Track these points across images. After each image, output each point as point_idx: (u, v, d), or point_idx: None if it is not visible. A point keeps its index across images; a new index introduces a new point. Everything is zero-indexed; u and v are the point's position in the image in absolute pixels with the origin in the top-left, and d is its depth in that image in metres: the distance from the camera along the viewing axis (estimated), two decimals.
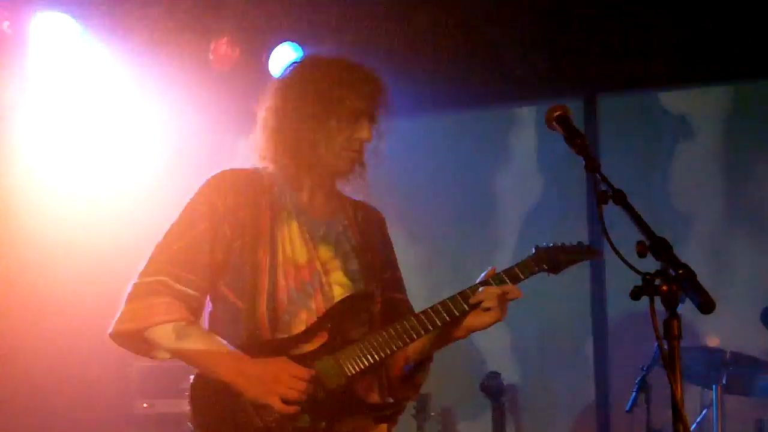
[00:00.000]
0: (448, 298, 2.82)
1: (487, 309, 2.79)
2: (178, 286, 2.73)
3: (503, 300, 2.80)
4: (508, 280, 2.82)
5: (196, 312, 2.77)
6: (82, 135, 5.90)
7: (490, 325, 2.83)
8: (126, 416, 5.84)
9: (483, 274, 2.86)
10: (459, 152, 6.59)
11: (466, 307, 2.80)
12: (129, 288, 2.76)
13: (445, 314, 2.79)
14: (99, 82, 5.60)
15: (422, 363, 3.00)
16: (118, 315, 2.75)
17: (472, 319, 2.83)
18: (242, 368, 2.64)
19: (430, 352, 2.98)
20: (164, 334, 2.69)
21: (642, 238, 2.03)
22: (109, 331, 2.75)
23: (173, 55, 5.53)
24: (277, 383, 2.62)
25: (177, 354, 2.71)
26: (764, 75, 5.91)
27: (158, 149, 6.13)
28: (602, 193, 2.17)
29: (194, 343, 2.68)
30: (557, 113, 2.47)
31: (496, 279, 2.83)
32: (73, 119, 5.81)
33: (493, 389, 5.82)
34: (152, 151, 6.11)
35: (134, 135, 6.09)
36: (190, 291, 2.74)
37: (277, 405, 2.62)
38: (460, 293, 2.82)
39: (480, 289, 2.80)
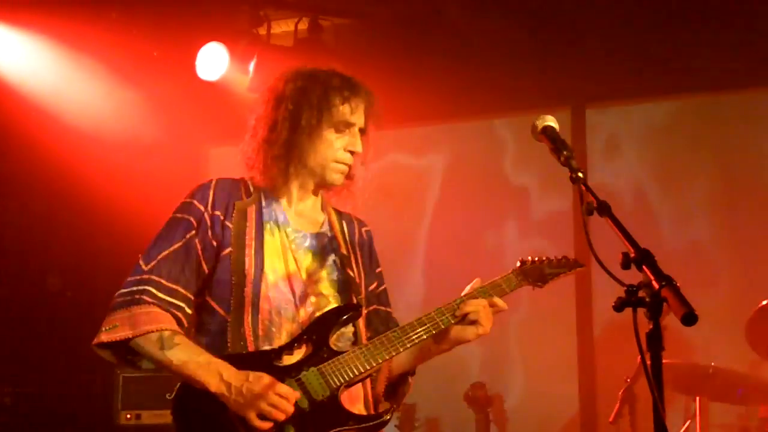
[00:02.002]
0: (434, 311, 2.81)
1: (473, 322, 2.80)
2: (163, 296, 2.71)
3: (489, 313, 2.81)
4: (494, 293, 2.83)
5: (181, 322, 2.75)
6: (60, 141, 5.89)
7: (476, 338, 2.82)
8: (110, 427, 5.81)
9: (468, 287, 2.87)
10: (446, 162, 6.59)
11: (452, 320, 2.80)
12: (114, 298, 2.74)
13: (431, 327, 2.79)
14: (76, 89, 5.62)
15: (405, 376, 3.00)
16: (103, 325, 2.72)
17: (458, 333, 2.82)
18: (227, 379, 2.62)
19: (414, 365, 2.98)
20: (150, 344, 2.66)
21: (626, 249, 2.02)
22: (94, 341, 2.72)
23: (155, 65, 5.54)
24: (260, 399, 2.60)
25: (162, 364, 2.68)
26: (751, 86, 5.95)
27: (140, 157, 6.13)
28: (587, 205, 2.17)
29: (180, 353, 2.65)
30: (543, 124, 2.48)
31: (481, 291, 2.83)
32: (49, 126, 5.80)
33: (478, 400, 5.82)
34: (134, 158, 6.10)
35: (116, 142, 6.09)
36: (176, 301, 2.72)
37: (255, 421, 2.60)
38: (445, 306, 2.82)
39: (466, 301, 2.81)
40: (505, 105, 6.31)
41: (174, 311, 2.72)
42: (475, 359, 6.13)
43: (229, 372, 2.63)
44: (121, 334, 2.67)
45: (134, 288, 2.71)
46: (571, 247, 5.79)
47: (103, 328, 2.71)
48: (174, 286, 2.73)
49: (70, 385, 5.91)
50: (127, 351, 2.72)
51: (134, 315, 2.68)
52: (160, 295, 2.71)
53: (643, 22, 5.70)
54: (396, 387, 3.00)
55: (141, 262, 2.76)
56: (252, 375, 2.63)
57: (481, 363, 6.15)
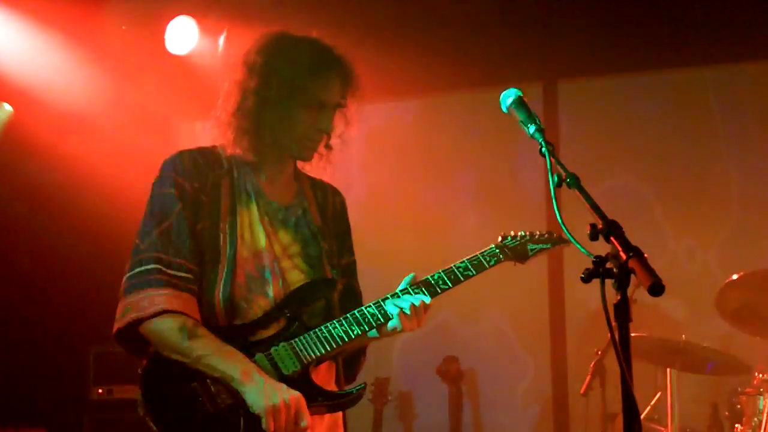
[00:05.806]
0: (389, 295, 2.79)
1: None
2: (173, 272, 2.64)
3: (412, 313, 2.74)
4: (426, 291, 2.77)
5: (191, 303, 2.65)
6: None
7: (402, 332, 2.77)
8: (82, 402, 5.81)
9: (404, 282, 2.82)
10: (419, 136, 6.58)
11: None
12: (123, 282, 2.68)
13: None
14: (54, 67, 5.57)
15: (358, 354, 2.98)
16: (118, 311, 2.66)
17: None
18: (261, 374, 2.60)
19: (365, 344, 2.94)
20: (171, 333, 2.60)
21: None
22: (114, 330, 2.66)
23: (127, 39, 5.49)
24: (280, 414, 2.55)
25: (183, 353, 2.60)
26: (729, 61, 5.96)
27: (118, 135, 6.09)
28: (556, 177, 2.17)
29: (205, 344, 2.59)
30: (511, 97, 2.47)
31: (414, 288, 2.79)
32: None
33: (450, 373, 5.85)
34: (111, 138, 6.06)
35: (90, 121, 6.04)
36: (185, 275, 2.65)
37: (268, 421, 2.55)
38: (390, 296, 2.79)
39: (389, 300, 2.76)
40: (477, 80, 6.30)
41: (187, 286, 2.65)
42: (448, 333, 6.14)
43: (259, 370, 2.60)
44: (138, 314, 2.61)
45: (142, 268, 2.65)
46: (544, 223, 5.81)
47: (119, 314, 2.65)
48: (180, 261, 2.66)
49: (41, 361, 5.88)
50: (145, 333, 2.64)
51: (148, 297, 2.61)
52: (170, 271, 2.64)
53: None
54: (352, 365, 2.97)
55: (138, 243, 2.70)
56: (285, 388, 2.60)
57: (454, 337, 6.16)
